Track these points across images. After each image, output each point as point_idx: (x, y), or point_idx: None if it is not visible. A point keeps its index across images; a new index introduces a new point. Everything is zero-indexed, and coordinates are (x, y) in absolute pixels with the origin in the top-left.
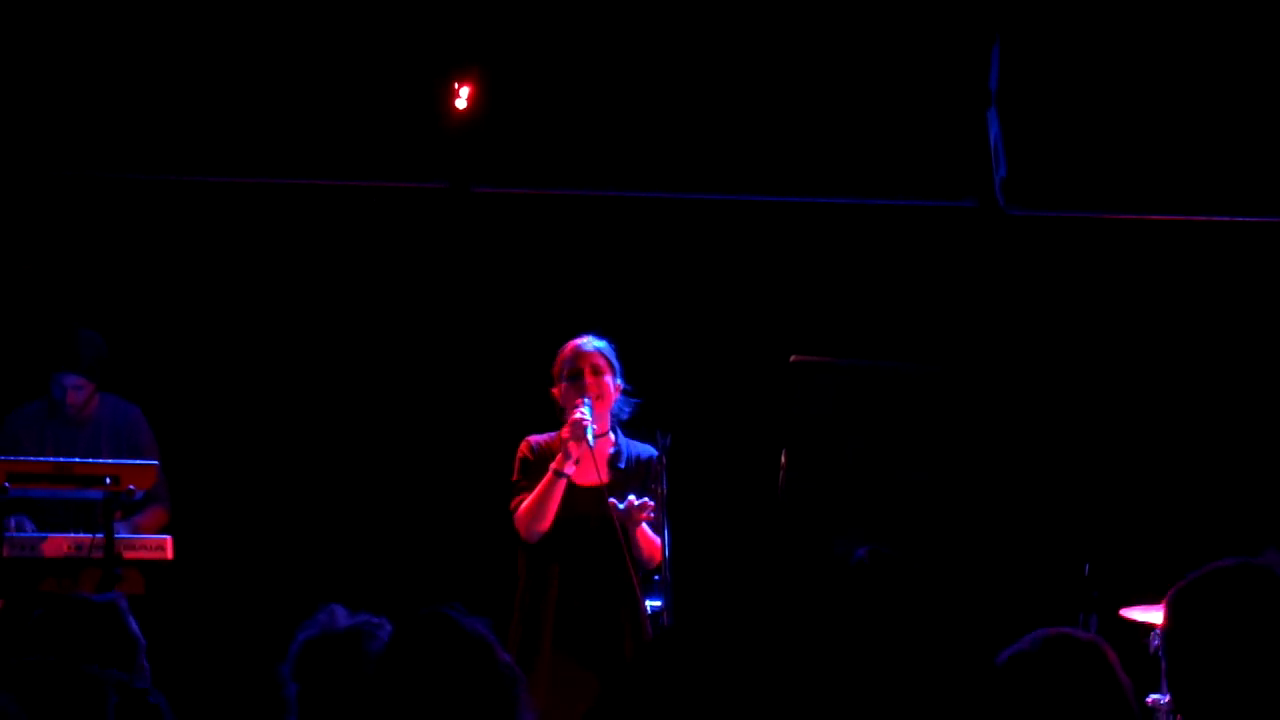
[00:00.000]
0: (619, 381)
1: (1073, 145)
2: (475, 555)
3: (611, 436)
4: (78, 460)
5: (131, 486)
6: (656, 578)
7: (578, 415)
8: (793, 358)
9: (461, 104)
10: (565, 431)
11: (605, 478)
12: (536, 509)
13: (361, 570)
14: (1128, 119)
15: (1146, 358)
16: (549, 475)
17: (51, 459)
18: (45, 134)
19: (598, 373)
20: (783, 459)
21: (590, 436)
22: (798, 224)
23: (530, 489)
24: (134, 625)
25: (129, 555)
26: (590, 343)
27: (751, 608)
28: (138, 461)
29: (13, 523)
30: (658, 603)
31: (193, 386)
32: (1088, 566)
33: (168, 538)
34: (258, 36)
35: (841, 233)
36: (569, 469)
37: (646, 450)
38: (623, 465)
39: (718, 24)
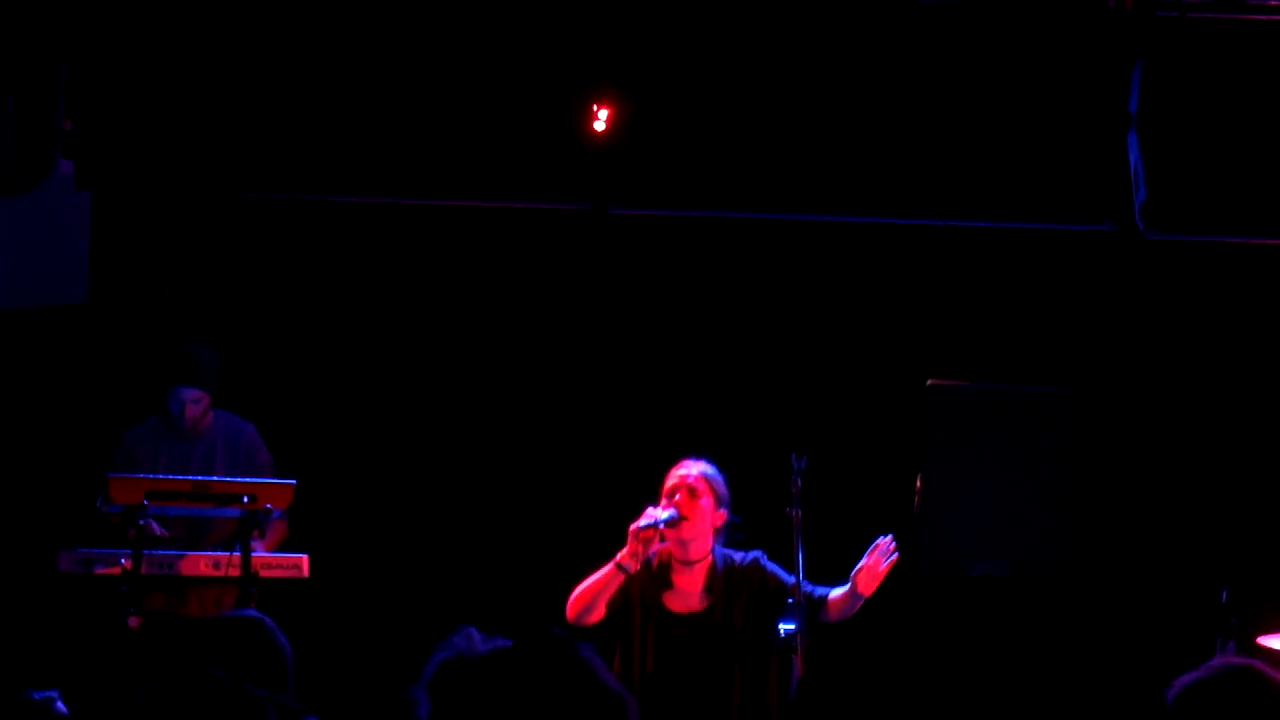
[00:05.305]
0: (724, 510)
1: (1214, 170)
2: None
3: (710, 559)
4: (215, 479)
5: (269, 505)
6: (790, 601)
7: (647, 516)
8: (929, 381)
9: (600, 126)
10: (633, 526)
11: (701, 605)
12: (590, 598)
13: (488, 591)
14: (1270, 143)
15: None
16: (611, 567)
17: (190, 477)
18: (203, 156)
19: (694, 495)
20: (918, 484)
21: (648, 535)
22: (937, 247)
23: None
24: (284, 642)
25: (265, 574)
26: (695, 467)
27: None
28: (276, 480)
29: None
30: (790, 627)
31: (330, 404)
32: (1225, 593)
33: (304, 556)
34: (401, 60)
35: (980, 256)
36: (631, 565)
37: (740, 555)
38: (721, 584)
39: (857, 49)
